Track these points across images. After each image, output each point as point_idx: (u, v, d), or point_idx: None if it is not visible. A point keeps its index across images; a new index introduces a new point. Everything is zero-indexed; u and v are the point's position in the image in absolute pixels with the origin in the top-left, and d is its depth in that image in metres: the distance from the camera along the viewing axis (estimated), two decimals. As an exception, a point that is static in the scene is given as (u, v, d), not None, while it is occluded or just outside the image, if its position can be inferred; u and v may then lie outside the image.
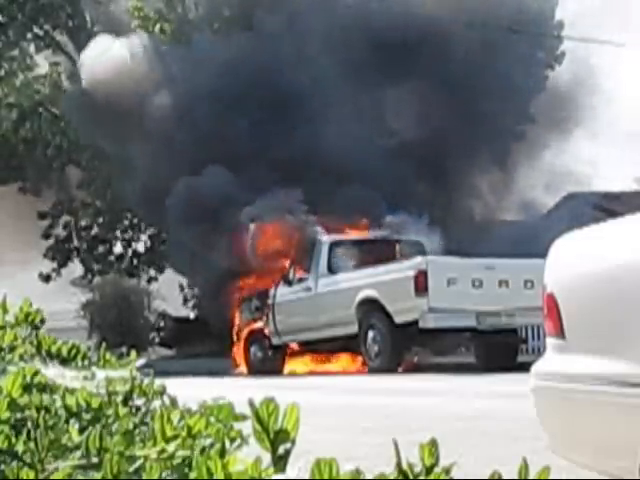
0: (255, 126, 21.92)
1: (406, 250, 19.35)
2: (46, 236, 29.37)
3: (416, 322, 16.77)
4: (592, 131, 25.12)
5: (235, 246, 20.67)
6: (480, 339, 17.50)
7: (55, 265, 29.55)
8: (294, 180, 20.40)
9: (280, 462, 1.55)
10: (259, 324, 20.27)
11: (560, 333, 3.76)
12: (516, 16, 23.94)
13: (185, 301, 28.10)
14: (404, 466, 1.52)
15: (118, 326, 26.48)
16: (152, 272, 29.81)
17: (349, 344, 18.11)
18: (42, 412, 1.99)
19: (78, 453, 1.76)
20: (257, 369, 19.75)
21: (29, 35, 29.05)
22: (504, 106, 23.25)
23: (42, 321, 2.82)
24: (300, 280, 19.42)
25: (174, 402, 2.19)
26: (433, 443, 1.55)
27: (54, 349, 2.63)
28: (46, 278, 29.28)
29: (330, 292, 18.50)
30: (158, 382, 2.37)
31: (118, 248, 30.14)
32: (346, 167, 20.72)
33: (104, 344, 2.77)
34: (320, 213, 20.20)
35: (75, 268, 29.56)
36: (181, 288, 27.94)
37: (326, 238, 19.45)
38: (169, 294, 27.82)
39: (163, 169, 22.45)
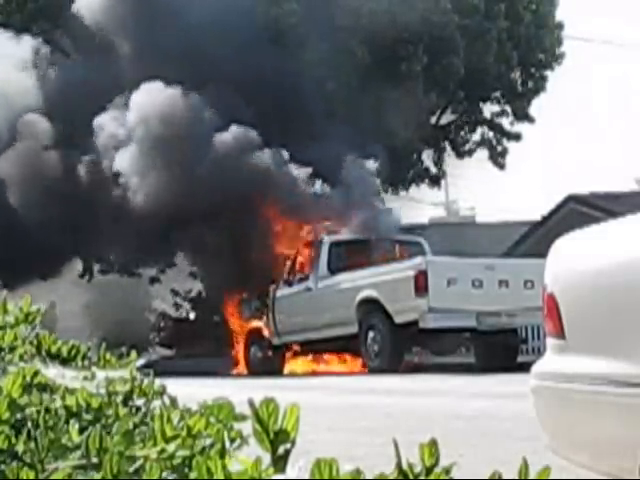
0: None
1: (406, 250, 19.39)
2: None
3: (416, 322, 16.77)
4: (592, 131, 25.20)
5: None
6: (480, 339, 17.49)
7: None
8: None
9: (280, 462, 1.54)
10: (259, 324, 20.27)
11: (560, 333, 3.76)
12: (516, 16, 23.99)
13: (177, 307, 27.84)
14: (404, 466, 1.52)
15: (118, 326, 26.43)
16: (154, 272, 29.67)
17: (349, 344, 18.10)
18: (42, 412, 1.99)
19: (78, 453, 1.76)
20: (257, 369, 19.74)
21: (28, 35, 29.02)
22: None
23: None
24: (300, 280, 19.42)
25: (174, 402, 2.19)
26: (433, 443, 1.54)
27: (54, 349, 2.63)
28: (43, 276, 29.15)
29: (330, 292, 18.49)
30: (158, 382, 2.36)
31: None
32: None
33: (104, 344, 2.76)
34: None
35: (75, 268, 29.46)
36: (174, 293, 27.70)
37: (326, 238, 19.44)
38: (169, 294, 27.77)
39: None
